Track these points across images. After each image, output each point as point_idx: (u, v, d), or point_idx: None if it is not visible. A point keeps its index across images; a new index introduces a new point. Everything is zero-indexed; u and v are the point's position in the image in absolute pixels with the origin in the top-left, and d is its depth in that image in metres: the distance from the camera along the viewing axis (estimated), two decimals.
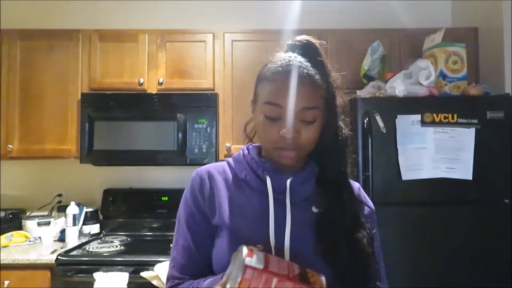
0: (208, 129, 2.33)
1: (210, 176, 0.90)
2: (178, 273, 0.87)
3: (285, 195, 0.85)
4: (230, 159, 0.94)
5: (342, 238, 0.81)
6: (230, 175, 0.91)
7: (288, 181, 0.85)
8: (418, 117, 1.93)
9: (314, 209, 0.86)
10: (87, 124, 2.33)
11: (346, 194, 0.87)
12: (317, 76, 0.82)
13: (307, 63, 0.82)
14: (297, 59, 0.83)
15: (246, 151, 0.92)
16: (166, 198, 2.57)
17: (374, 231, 0.88)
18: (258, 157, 0.89)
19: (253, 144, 0.94)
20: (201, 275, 0.84)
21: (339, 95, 0.87)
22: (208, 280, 0.81)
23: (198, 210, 0.88)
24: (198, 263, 0.86)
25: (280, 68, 0.81)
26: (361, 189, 0.96)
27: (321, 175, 0.88)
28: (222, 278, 0.74)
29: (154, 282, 1.81)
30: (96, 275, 1.89)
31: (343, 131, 0.88)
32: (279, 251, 0.79)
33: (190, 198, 0.90)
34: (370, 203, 0.94)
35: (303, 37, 0.87)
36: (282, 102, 0.79)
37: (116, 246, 2.19)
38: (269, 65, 0.84)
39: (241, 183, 0.89)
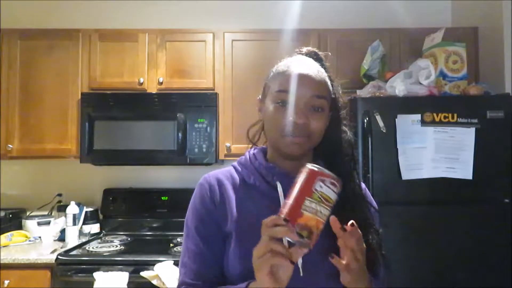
0: (208, 128, 2.33)
1: (220, 182, 0.89)
2: (190, 279, 0.83)
3: None
4: (235, 164, 0.93)
5: None
6: (237, 180, 0.89)
7: None
8: (418, 116, 1.93)
9: None
10: (87, 124, 2.33)
11: (356, 195, 0.87)
12: (324, 73, 0.87)
13: (316, 63, 0.89)
14: (307, 58, 0.89)
15: (252, 155, 0.91)
16: (166, 198, 2.56)
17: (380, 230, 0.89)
18: (265, 162, 0.89)
19: (258, 147, 0.94)
20: (214, 281, 0.82)
21: (341, 98, 0.91)
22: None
23: (209, 216, 0.86)
24: (211, 267, 0.84)
25: (291, 63, 0.87)
26: (367, 189, 0.96)
27: None
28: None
29: (154, 282, 1.81)
30: (96, 274, 1.89)
31: (348, 133, 0.91)
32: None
33: (199, 205, 0.87)
34: (374, 204, 0.94)
35: (309, 48, 0.94)
36: (293, 89, 0.82)
37: (116, 246, 2.19)
38: (279, 63, 0.90)
39: (250, 188, 0.88)
